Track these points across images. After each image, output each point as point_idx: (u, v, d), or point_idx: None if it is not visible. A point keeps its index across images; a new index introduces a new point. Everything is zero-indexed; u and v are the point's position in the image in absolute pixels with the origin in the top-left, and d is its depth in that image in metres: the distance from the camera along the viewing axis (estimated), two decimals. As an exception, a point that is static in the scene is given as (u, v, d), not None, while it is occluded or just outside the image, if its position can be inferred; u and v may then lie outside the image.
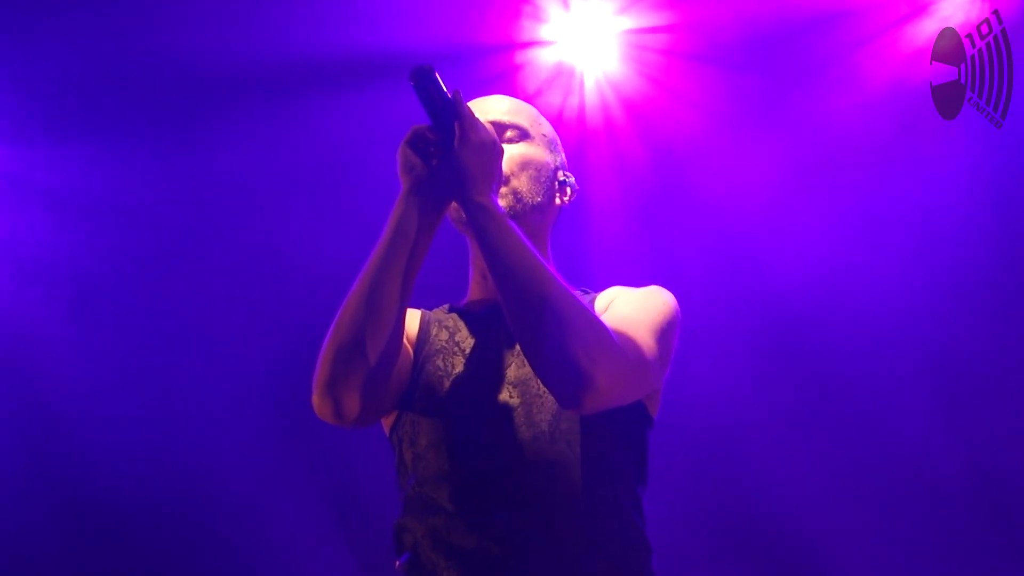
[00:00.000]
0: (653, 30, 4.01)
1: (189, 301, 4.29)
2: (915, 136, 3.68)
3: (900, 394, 3.84)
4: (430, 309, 2.41)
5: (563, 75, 4.15)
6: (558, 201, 2.42)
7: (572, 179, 2.43)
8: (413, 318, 2.33)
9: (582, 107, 4.16)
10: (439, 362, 2.25)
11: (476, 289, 2.41)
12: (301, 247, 4.24)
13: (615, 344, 2.00)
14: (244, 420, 4.25)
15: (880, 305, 3.87)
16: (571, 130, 4.17)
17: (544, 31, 4.06)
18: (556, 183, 2.40)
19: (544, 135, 2.41)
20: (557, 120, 4.19)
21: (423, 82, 2.03)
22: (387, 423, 2.29)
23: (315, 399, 2.07)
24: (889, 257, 3.87)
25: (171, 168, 4.18)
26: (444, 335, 2.30)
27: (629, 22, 3.99)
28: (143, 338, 4.27)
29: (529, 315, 1.97)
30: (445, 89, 2.06)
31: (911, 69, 3.56)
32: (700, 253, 4.19)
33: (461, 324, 2.32)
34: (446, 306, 2.42)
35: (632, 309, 2.20)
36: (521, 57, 4.12)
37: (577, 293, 2.09)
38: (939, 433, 3.77)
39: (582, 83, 4.15)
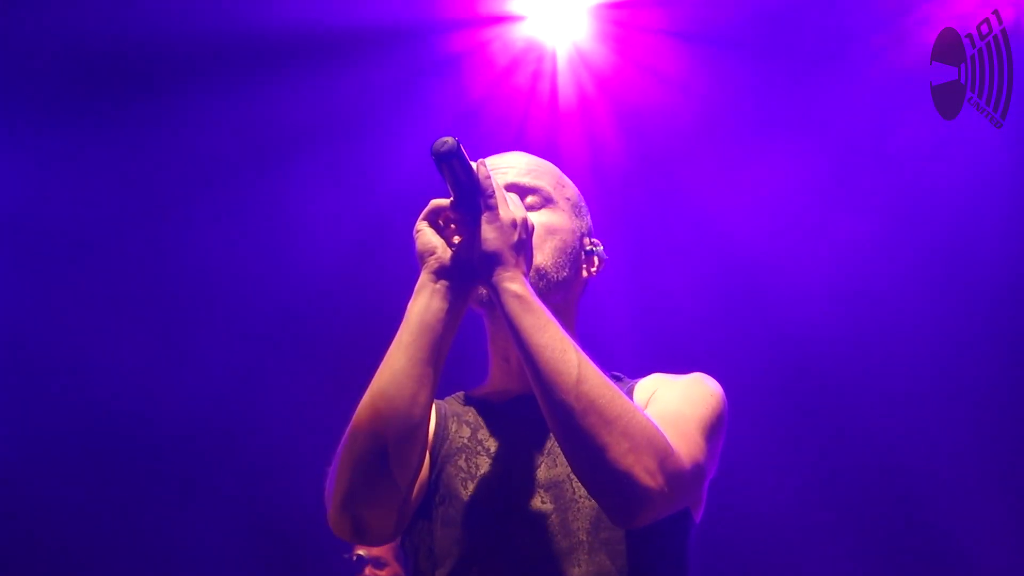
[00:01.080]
0: (630, 4, 3.84)
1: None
2: (915, 136, 3.62)
3: (898, 395, 3.79)
4: (442, 397, 2.18)
5: (533, 52, 3.99)
6: (585, 274, 2.17)
7: (600, 248, 2.19)
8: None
9: (554, 87, 3.99)
10: (461, 463, 2.03)
11: (497, 376, 2.17)
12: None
13: (671, 451, 1.81)
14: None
15: (879, 306, 3.81)
16: (542, 112, 4.01)
17: (513, 5, 3.90)
18: (583, 253, 2.16)
19: (568, 199, 2.16)
20: (527, 102, 3.99)
21: (448, 157, 1.83)
22: None
23: (332, 516, 1.88)
24: (888, 257, 3.80)
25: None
26: (465, 432, 2.08)
27: None
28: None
29: (575, 419, 1.78)
30: (469, 160, 1.87)
31: (911, 69, 3.47)
32: (680, 242, 4.08)
33: (483, 420, 2.10)
34: (461, 394, 2.20)
35: (680, 404, 1.99)
36: (488, 33, 3.95)
37: (624, 391, 1.87)
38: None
39: (554, 61, 3.98)
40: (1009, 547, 3.60)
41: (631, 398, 2.04)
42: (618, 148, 4.05)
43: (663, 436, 1.80)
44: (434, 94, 4.01)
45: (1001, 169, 3.51)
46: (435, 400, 2.08)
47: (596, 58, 3.96)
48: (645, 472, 1.75)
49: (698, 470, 1.88)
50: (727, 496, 3.71)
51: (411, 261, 1.93)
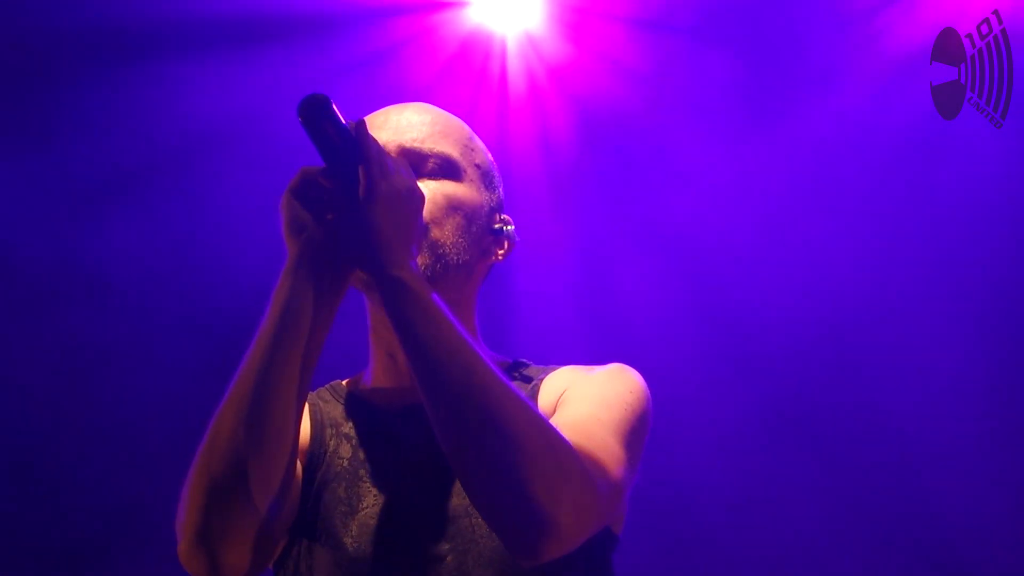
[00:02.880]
0: None
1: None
2: (915, 136, 3.54)
3: (896, 401, 3.69)
4: (312, 388, 1.80)
5: (481, 40, 3.73)
6: (492, 258, 1.89)
7: (511, 226, 1.90)
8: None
9: (504, 78, 3.75)
10: (341, 492, 1.73)
11: (380, 372, 1.85)
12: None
13: (582, 470, 1.52)
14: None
15: (877, 307, 3.69)
16: (491, 104, 3.77)
17: None
18: (490, 233, 1.87)
19: (478, 165, 1.86)
20: (474, 93, 3.71)
21: (316, 118, 1.53)
22: None
23: (183, 550, 1.55)
24: (887, 258, 3.68)
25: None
26: (345, 451, 1.77)
27: None
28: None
29: (470, 437, 1.49)
30: (344, 122, 1.56)
31: (911, 69, 3.42)
32: (635, 244, 3.89)
33: (366, 436, 1.79)
34: (338, 386, 1.89)
35: (593, 406, 1.69)
36: (431, 20, 3.69)
37: (532, 403, 1.60)
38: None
39: (504, 50, 3.74)
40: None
41: (536, 397, 1.79)
42: (571, 141, 3.85)
43: (574, 454, 1.53)
44: (372, 87, 3.71)
45: (1001, 169, 3.47)
46: (308, 401, 1.78)
47: (549, 47, 3.74)
48: (551, 499, 1.48)
49: (616, 489, 1.61)
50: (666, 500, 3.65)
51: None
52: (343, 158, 1.56)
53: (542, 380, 1.83)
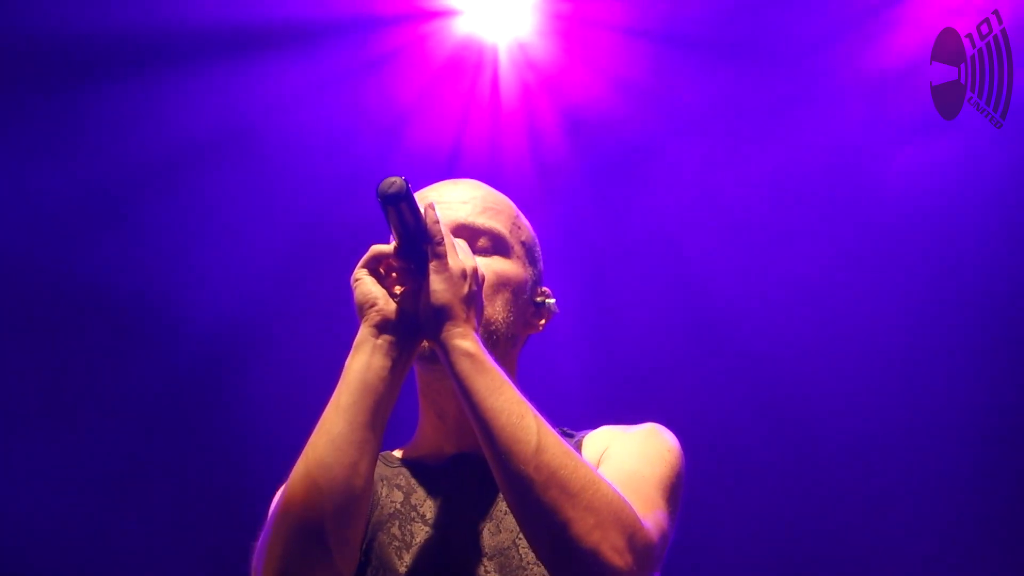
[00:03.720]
0: None
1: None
2: (915, 136, 3.55)
3: (893, 397, 3.68)
4: None
5: (472, 50, 3.69)
6: (532, 328, 2.03)
7: (552, 299, 2.04)
8: None
9: (495, 88, 3.72)
10: (395, 530, 1.85)
11: (430, 433, 2.00)
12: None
13: (639, 525, 1.66)
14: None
15: (877, 308, 3.69)
16: (483, 115, 3.75)
17: None
18: (533, 305, 2.01)
19: (523, 243, 2.01)
20: (466, 102, 3.68)
21: (396, 202, 1.67)
22: None
23: None
24: (886, 259, 3.69)
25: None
26: (397, 496, 1.91)
27: None
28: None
29: (537, 495, 1.62)
30: (418, 205, 1.71)
31: (911, 69, 3.42)
32: (627, 252, 3.89)
33: (416, 483, 1.93)
34: (387, 455, 2.02)
35: (636, 463, 1.84)
36: (421, 29, 3.65)
37: (589, 463, 1.73)
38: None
39: (496, 59, 3.70)
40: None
41: (580, 454, 1.86)
42: (563, 150, 3.83)
43: (630, 509, 1.67)
44: (362, 97, 3.68)
45: (1001, 169, 3.46)
46: None
47: (541, 56, 3.69)
48: (612, 550, 1.62)
49: (665, 539, 1.77)
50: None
51: (344, 278, 1.75)
52: (414, 237, 1.70)
53: (584, 437, 1.98)
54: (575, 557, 1.60)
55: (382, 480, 1.92)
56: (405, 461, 1.98)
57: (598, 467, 1.83)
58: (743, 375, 3.77)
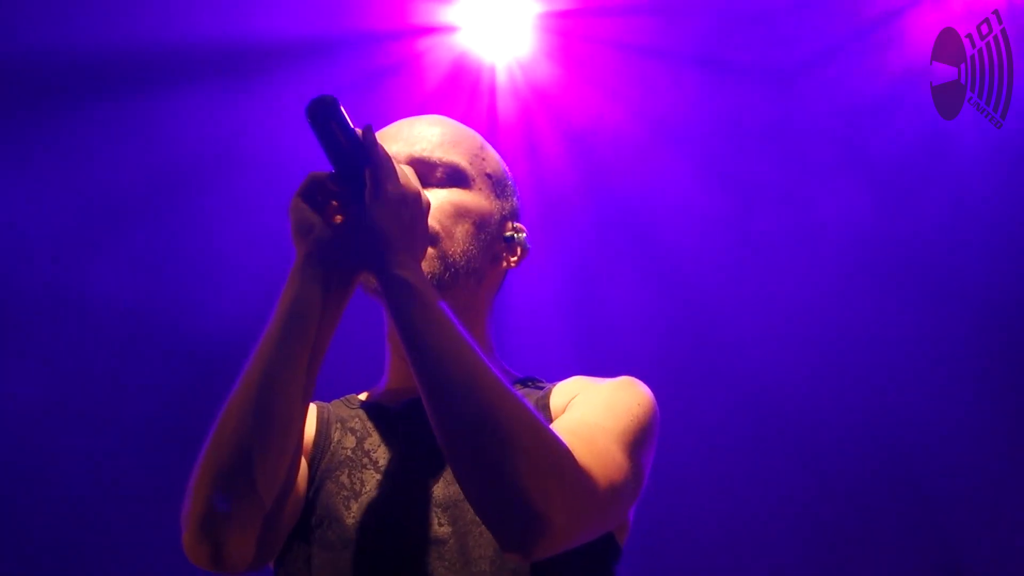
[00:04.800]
0: (577, 13, 3.59)
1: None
2: (915, 137, 3.55)
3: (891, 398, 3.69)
4: (328, 400, 1.92)
5: (470, 67, 3.69)
6: (504, 264, 1.93)
7: (523, 234, 1.94)
8: (308, 417, 1.79)
9: (492, 105, 3.71)
10: (343, 478, 1.77)
11: (395, 374, 1.91)
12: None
13: (576, 470, 1.53)
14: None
15: (876, 309, 3.68)
16: (479, 129, 3.62)
17: (446, 14, 3.61)
18: (501, 240, 1.91)
19: (488, 175, 1.91)
20: (463, 119, 3.64)
21: (324, 118, 1.57)
22: None
23: (187, 539, 1.58)
24: (886, 259, 3.68)
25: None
26: (350, 441, 1.82)
27: (547, 4, 3.57)
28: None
29: (464, 433, 1.52)
30: (352, 125, 1.60)
31: (911, 69, 3.44)
32: (625, 266, 3.88)
33: (372, 426, 1.84)
34: (350, 398, 1.93)
35: (598, 413, 1.71)
36: (417, 46, 3.65)
37: (527, 400, 1.59)
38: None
39: (493, 76, 3.70)
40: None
41: (547, 403, 1.83)
42: (563, 170, 3.81)
43: (570, 457, 1.54)
44: (361, 112, 3.61)
45: (1001, 169, 3.46)
46: (318, 403, 1.89)
47: (537, 71, 3.69)
48: (543, 497, 1.48)
49: (613, 494, 1.62)
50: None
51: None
52: (350, 161, 1.59)
53: (554, 387, 1.87)
54: (502, 504, 1.49)
55: (338, 423, 1.84)
56: (365, 404, 1.90)
57: (560, 417, 1.75)
58: (741, 382, 3.75)
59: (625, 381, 1.83)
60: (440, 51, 3.63)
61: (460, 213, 1.84)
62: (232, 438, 1.56)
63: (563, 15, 3.58)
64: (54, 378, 3.63)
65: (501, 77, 3.67)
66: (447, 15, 3.57)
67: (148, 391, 3.65)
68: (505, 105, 3.69)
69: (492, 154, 1.95)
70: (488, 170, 1.91)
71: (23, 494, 3.59)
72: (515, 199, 1.96)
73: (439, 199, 1.82)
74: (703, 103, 3.73)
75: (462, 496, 1.67)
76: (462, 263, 1.82)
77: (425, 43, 3.62)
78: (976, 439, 3.61)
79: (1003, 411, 3.57)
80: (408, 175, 1.67)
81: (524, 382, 1.91)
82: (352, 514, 1.73)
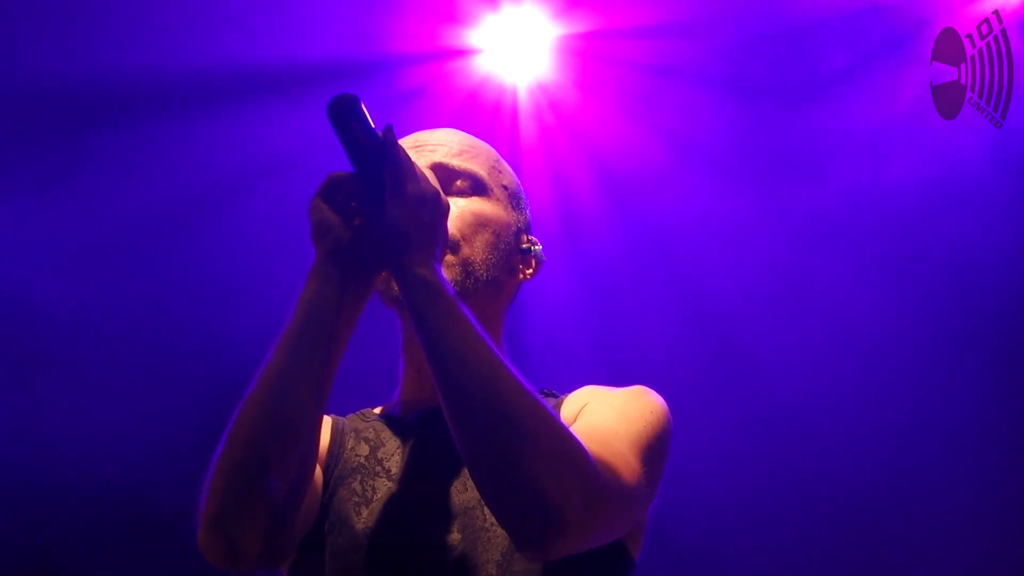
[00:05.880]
0: (596, 35, 3.67)
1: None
2: (915, 136, 3.55)
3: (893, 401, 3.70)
4: (343, 415, 1.93)
5: (492, 88, 3.79)
6: (520, 276, 1.94)
7: (538, 247, 1.95)
8: (324, 426, 1.85)
9: (515, 124, 3.81)
10: (355, 485, 1.78)
11: (408, 386, 1.92)
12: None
13: (593, 471, 1.53)
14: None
15: (876, 309, 3.70)
16: (503, 150, 3.76)
17: (470, 38, 3.70)
18: (518, 252, 1.93)
19: (505, 187, 1.94)
20: (487, 138, 3.78)
21: (345, 117, 1.57)
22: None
23: (202, 535, 1.59)
24: (886, 260, 3.70)
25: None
26: (363, 449, 1.83)
27: (568, 27, 3.66)
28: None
29: (482, 432, 1.51)
30: (373, 125, 1.59)
31: (911, 69, 3.46)
32: (645, 286, 3.94)
33: (386, 436, 1.85)
34: (366, 412, 1.95)
35: (612, 419, 1.72)
36: (443, 68, 3.75)
37: (545, 401, 1.60)
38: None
39: (515, 96, 3.80)
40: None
41: (559, 413, 1.82)
42: (583, 187, 3.88)
43: (586, 455, 1.53)
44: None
45: (1001, 169, 3.46)
46: (333, 416, 1.90)
47: (559, 93, 3.79)
48: (560, 495, 1.48)
49: (626, 496, 1.61)
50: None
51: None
52: (370, 161, 1.59)
53: (567, 396, 1.88)
54: (519, 501, 1.49)
55: (352, 433, 1.86)
56: (380, 416, 1.91)
57: (574, 423, 1.74)
58: (761, 395, 3.79)
59: (638, 390, 1.84)
60: (465, 73, 3.72)
61: (481, 223, 1.85)
62: (247, 436, 1.56)
63: (582, 37, 3.64)
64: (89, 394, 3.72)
65: (523, 97, 3.77)
66: (471, 38, 3.65)
67: (179, 408, 3.73)
68: (527, 124, 3.78)
69: (506, 167, 1.98)
70: (504, 182, 1.93)
71: (65, 505, 3.68)
72: (528, 212, 1.98)
73: (459, 207, 1.83)
74: (718, 120, 3.79)
75: (472, 504, 1.72)
76: (483, 273, 1.83)
77: (451, 65, 3.70)
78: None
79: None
80: (428, 176, 1.67)
81: (542, 394, 1.91)
82: (363, 520, 1.74)
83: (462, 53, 3.72)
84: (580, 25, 3.63)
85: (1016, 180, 3.46)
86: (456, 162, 1.88)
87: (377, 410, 1.96)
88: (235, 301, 3.79)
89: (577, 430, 1.62)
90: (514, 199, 1.95)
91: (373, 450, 1.82)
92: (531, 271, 1.94)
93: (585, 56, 3.72)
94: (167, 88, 3.70)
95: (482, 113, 3.76)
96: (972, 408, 3.57)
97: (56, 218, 3.72)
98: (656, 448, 1.72)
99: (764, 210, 3.83)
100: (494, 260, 1.86)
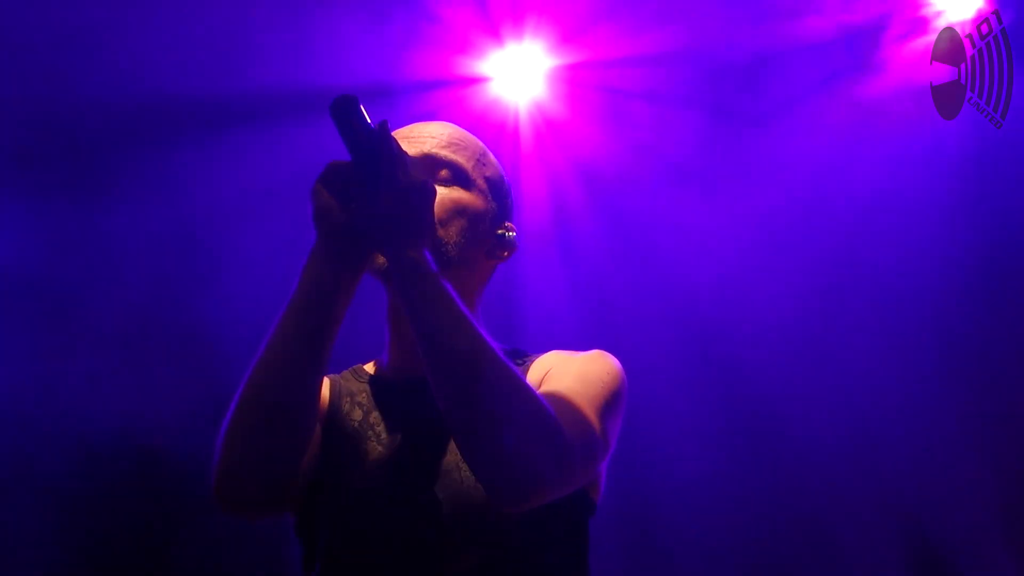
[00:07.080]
0: (584, 66, 4.05)
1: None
2: (915, 136, 3.62)
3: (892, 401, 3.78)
4: (338, 371, 2.11)
5: (497, 110, 4.18)
6: (495, 259, 2.10)
7: (513, 233, 2.10)
8: (323, 388, 2.00)
9: (516, 139, 4.19)
10: (349, 448, 1.96)
11: (395, 353, 2.07)
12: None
13: (561, 434, 1.74)
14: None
15: (876, 309, 3.77)
16: (506, 160, 4.04)
17: (481, 68, 4.09)
18: (493, 237, 2.08)
19: (487, 178, 2.09)
20: (493, 151, 3.95)
21: (344, 113, 1.74)
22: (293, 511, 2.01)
23: (216, 484, 1.79)
24: (886, 260, 3.76)
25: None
26: (357, 414, 2.01)
27: (561, 59, 4.04)
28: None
29: (463, 398, 1.70)
30: (369, 121, 1.78)
31: (911, 69, 3.51)
32: (631, 281, 4.18)
33: (376, 402, 2.03)
34: (359, 369, 2.12)
35: (573, 380, 1.92)
36: (459, 93, 4.12)
37: (518, 371, 1.79)
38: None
39: (517, 117, 4.18)
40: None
41: (526, 375, 2.01)
42: (573, 191, 4.20)
43: (552, 416, 1.74)
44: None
45: (1001, 169, 3.49)
46: (331, 376, 2.06)
47: (554, 113, 4.16)
48: (536, 459, 1.70)
49: (589, 452, 1.83)
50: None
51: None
52: (366, 152, 1.75)
53: (533, 360, 2.06)
54: (501, 465, 1.69)
55: (348, 396, 2.02)
56: (372, 378, 2.06)
57: (540, 386, 1.92)
58: (733, 378, 3.92)
59: (596, 354, 2.01)
60: (475, 97, 4.07)
61: (458, 209, 1.99)
62: (257, 399, 1.75)
63: (572, 67, 4.04)
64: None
65: (523, 117, 4.15)
66: (481, 68, 4.04)
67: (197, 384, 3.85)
68: (526, 139, 4.14)
69: (492, 160, 2.12)
70: (487, 173, 2.08)
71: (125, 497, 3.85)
72: (509, 201, 2.13)
73: (440, 195, 1.95)
74: (687, 135, 4.06)
75: (451, 467, 1.88)
76: (453, 253, 1.97)
77: (464, 91, 4.06)
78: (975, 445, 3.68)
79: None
80: (417, 167, 1.81)
81: (510, 352, 2.05)
82: (354, 480, 1.90)
83: (473, 81, 4.09)
84: (571, 57, 4.03)
85: (1016, 180, 3.49)
86: (443, 153, 2.02)
87: (369, 368, 2.10)
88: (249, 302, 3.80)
89: (543, 393, 1.81)
90: (495, 190, 2.08)
91: (366, 415, 1.98)
92: (506, 254, 2.07)
93: (575, 83, 4.10)
94: (182, 114, 3.93)
95: (489, 130, 4.07)
96: (959, 404, 3.66)
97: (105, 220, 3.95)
98: (612, 406, 1.92)
99: (732, 213, 4.03)
100: (465, 243, 1.99)
